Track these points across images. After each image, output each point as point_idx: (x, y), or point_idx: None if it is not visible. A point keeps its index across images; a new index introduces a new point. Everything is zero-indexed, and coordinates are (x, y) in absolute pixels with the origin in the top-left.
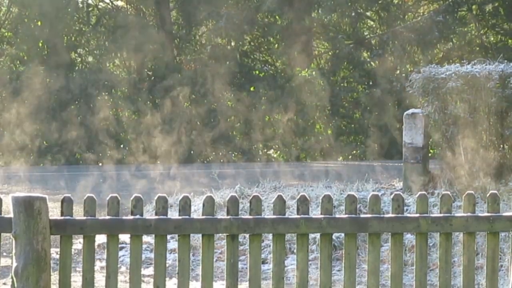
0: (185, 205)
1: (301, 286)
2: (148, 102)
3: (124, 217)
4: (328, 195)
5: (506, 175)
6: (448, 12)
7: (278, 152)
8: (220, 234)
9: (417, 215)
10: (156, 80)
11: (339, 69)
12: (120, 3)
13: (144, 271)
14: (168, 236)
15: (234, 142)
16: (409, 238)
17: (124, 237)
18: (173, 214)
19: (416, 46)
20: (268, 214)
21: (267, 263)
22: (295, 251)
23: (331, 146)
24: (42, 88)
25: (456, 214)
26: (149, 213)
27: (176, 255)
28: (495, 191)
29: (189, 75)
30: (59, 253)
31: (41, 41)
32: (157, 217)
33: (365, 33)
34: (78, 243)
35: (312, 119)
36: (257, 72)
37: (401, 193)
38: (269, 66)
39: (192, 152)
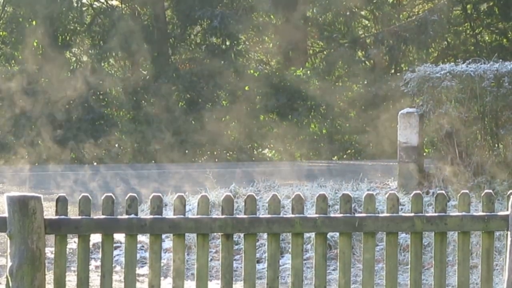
0: (179, 204)
1: (296, 285)
2: (143, 102)
3: (119, 217)
4: (323, 195)
5: (501, 174)
6: (442, 11)
7: (273, 151)
8: (215, 234)
9: (412, 214)
10: (150, 80)
11: (334, 68)
12: (114, 3)
13: (139, 271)
14: (163, 236)
15: (229, 141)
16: (404, 237)
17: (119, 237)
18: (168, 213)
19: (411, 45)
20: (263, 213)
21: (262, 262)
22: (290, 250)
23: (326, 145)
24: (36, 87)
25: (451, 214)
26: (143, 212)
27: (171, 254)
28: (490, 191)
29: (184, 74)
30: (54, 252)
31: (36, 41)
32: (152, 216)
33: (360, 32)
34: (73, 242)
35: (307, 118)
36: (252, 71)
37: (396, 193)
38: (264, 66)
39: (186, 151)
